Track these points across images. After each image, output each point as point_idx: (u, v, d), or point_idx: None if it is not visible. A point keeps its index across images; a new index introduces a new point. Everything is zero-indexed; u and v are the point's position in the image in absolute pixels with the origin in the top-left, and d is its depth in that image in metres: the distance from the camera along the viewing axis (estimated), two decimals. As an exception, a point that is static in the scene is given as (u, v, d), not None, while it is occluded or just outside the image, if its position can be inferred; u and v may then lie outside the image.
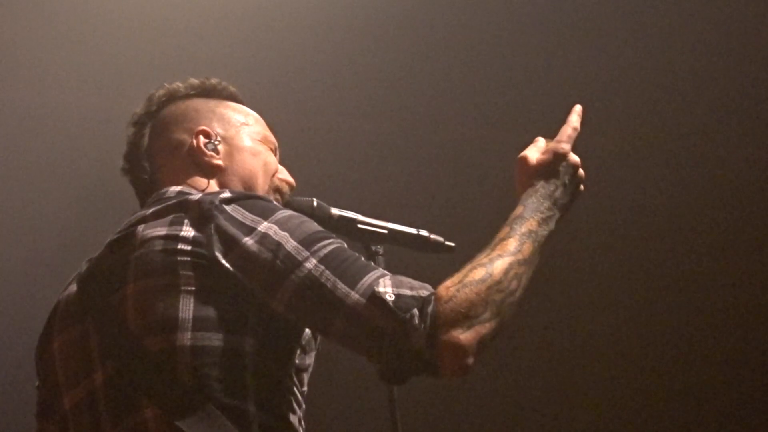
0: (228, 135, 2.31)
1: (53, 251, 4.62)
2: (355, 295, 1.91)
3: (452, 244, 2.56)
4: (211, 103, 2.34)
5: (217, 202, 2.01)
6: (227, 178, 2.27)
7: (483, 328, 1.92)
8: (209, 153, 2.27)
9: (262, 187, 2.30)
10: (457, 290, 1.93)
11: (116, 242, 2.08)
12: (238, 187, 2.26)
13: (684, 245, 5.24)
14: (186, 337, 1.96)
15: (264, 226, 1.98)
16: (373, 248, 2.45)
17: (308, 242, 1.97)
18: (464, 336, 1.89)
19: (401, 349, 1.88)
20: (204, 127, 2.29)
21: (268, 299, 1.95)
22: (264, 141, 2.35)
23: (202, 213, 2.01)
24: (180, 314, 1.97)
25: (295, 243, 1.96)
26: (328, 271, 1.93)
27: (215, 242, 1.97)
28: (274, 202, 2.09)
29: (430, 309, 1.89)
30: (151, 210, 2.09)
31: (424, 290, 1.94)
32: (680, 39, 4.73)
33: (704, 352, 5.31)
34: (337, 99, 4.76)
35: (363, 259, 2.00)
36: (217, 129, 2.31)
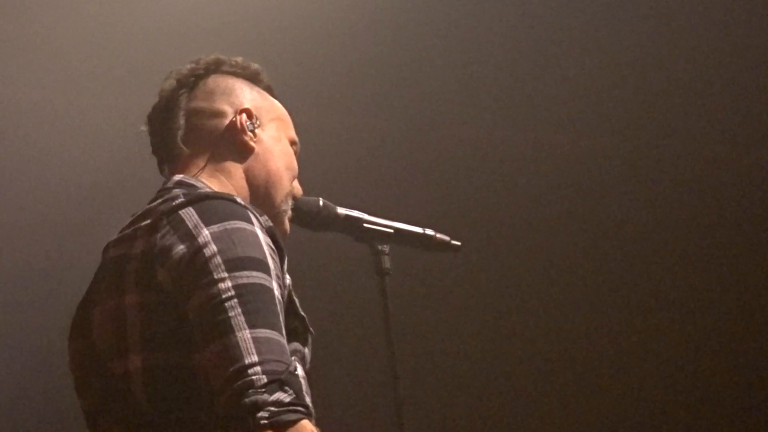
0: (266, 125, 2.29)
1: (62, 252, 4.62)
2: (247, 333, 1.86)
3: (458, 244, 2.55)
4: (255, 89, 2.32)
5: (168, 210, 2.00)
6: (254, 164, 2.25)
7: None
8: (248, 133, 2.25)
9: (284, 187, 2.27)
10: None
11: (103, 254, 2.09)
12: (261, 178, 2.24)
13: (683, 244, 5.23)
14: (137, 359, 1.96)
15: (201, 235, 1.94)
16: (379, 247, 2.45)
17: (232, 266, 1.91)
18: None
19: (230, 409, 1.83)
20: (249, 107, 2.27)
21: (188, 308, 1.92)
22: (292, 143, 2.34)
23: (153, 223, 2.00)
24: (129, 337, 1.97)
25: (219, 261, 1.91)
26: (236, 299, 1.88)
27: (156, 254, 1.96)
28: (235, 205, 2.02)
29: (279, 420, 1.82)
30: (131, 218, 2.09)
31: (296, 409, 1.84)
32: (693, 35, 4.72)
33: (704, 351, 5.30)
34: (342, 97, 4.76)
35: (277, 309, 1.92)
36: (259, 114, 2.29)
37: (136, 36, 4.42)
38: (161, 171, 2.29)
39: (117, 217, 2.19)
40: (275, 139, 2.29)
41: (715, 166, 5.13)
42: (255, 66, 2.35)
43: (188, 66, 2.30)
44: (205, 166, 2.22)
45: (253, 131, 2.26)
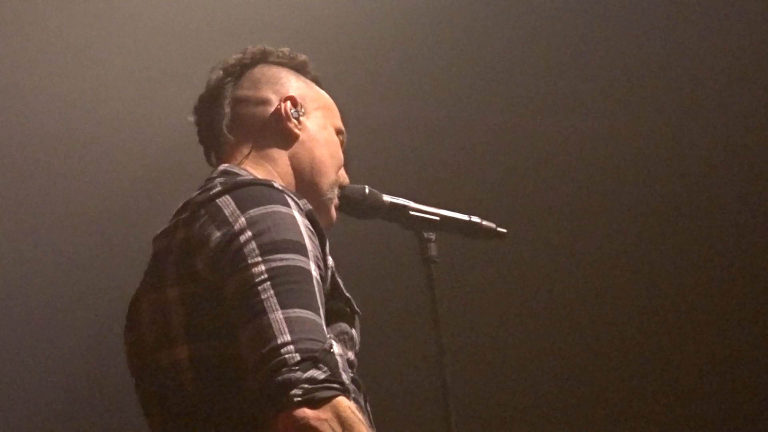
0: (311, 113, 2.31)
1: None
2: (279, 314, 1.86)
3: (504, 231, 2.55)
4: (301, 79, 2.34)
5: (206, 200, 2.01)
6: (299, 151, 2.26)
7: None
8: (293, 120, 2.27)
9: (329, 175, 2.29)
10: (347, 425, 1.82)
11: (153, 245, 2.11)
12: (306, 165, 2.25)
13: (684, 243, 5.18)
14: (184, 350, 1.98)
15: (238, 222, 1.95)
16: (425, 235, 2.45)
17: (267, 249, 1.92)
18: None
19: (263, 389, 1.83)
20: (294, 95, 2.29)
21: (223, 296, 1.93)
22: (338, 133, 2.35)
23: (192, 214, 2.02)
24: (173, 328, 1.99)
25: (254, 246, 1.92)
26: (268, 282, 1.88)
27: (194, 244, 1.98)
28: (271, 189, 2.02)
29: (313, 397, 1.81)
30: (176, 209, 2.11)
31: (331, 386, 1.83)
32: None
33: (705, 351, 5.26)
34: (388, 85, 4.76)
35: (314, 290, 1.92)
36: (304, 103, 2.31)
37: (183, 28, 4.43)
38: (208, 160, 2.31)
39: (165, 209, 2.21)
40: (321, 127, 2.31)
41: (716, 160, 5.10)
42: (302, 57, 2.36)
43: (235, 56, 2.33)
44: (249, 153, 2.24)
45: (297, 119, 2.28)
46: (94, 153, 4.61)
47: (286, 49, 2.36)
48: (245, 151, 2.24)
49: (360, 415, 1.84)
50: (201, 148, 2.34)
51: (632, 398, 5.26)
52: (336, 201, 2.30)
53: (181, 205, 2.10)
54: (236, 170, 2.18)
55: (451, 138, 4.94)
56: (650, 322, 5.24)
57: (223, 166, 2.20)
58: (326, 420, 1.79)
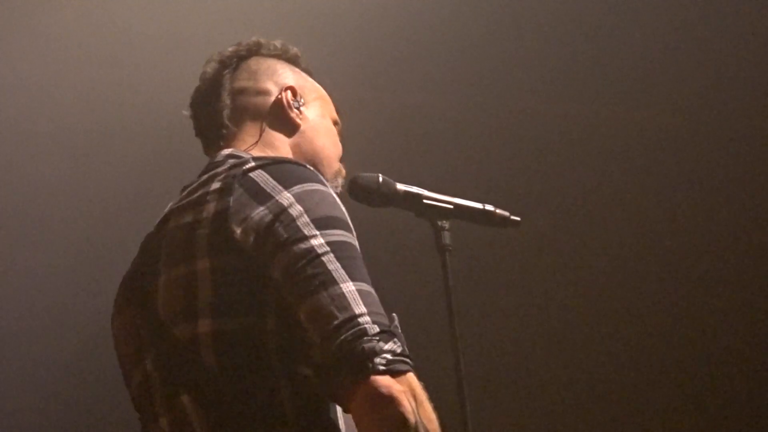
0: (310, 104, 2.33)
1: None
2: (351, 285, 1.88)
3: (518, 219, 2.55)
4: (296, 70, 2.36)
5: (240, 175, 2.00)
6: (301, 141, 2.28)
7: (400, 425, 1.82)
8: (294, 110, 2.29)
9: (332, 165, 2.31)
10: (419, 401, 1.85)
11: (159, 225, 2.10)
12: (309, 154, 2.26)
13: (684, 242, 5.17)
14: (206, 324, 1.96)
15: (282, 196, 1.96)
16: (439, 223, 2.44)
17: (321, 224, 1.93)
18: (391, 408, 1.81)
19: (345, 355, 1.84)
20: (294, 85, 2.31)
21: (271, 268, 1.92)
22: (335, 123, 2.37)
23: (225, 186, 2.00)
24: (200, 302, 1.97)
25: (307, 220, 1.93)
26: (332, 255, 1.90)
27: (232, 215, 1.96)
28: (306, 169, 2.04)
29: (393, 368, 1.83)
30: (189, 189, 2.10)
31: (407, 360, 1.86)
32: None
33: (705, 350, 5.25)
34: (401, 73, 4.76)
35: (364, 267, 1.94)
36: (303, 93, 2.33)
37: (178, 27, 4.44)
38: (207, 152, 2.31)
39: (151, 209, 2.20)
40: (320, 117, 2.33)
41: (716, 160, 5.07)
42: (294, 49, 2.38)
43: (230, 48, 2.34)
44: (252, 142, 2.25)
45: (298, 108, 2.30)
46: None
47: (278, 42, 2.38)
48: (248, 140, 2.25)
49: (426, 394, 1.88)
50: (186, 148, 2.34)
51: (651, 387, 5.26)
52: (339, 190, 2.31)
53: (197, 182, 2.09)
54: (242, 155, 2.17)
55: (466, 126, 4.93)
56: (671, 311, 5.23)
57: (227, 150, 2.21)
58: (404, 392, 1.82)
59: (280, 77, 2.32)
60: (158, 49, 4.46)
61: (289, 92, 2.29)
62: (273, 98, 2.29)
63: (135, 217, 3.35)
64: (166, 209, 2.13)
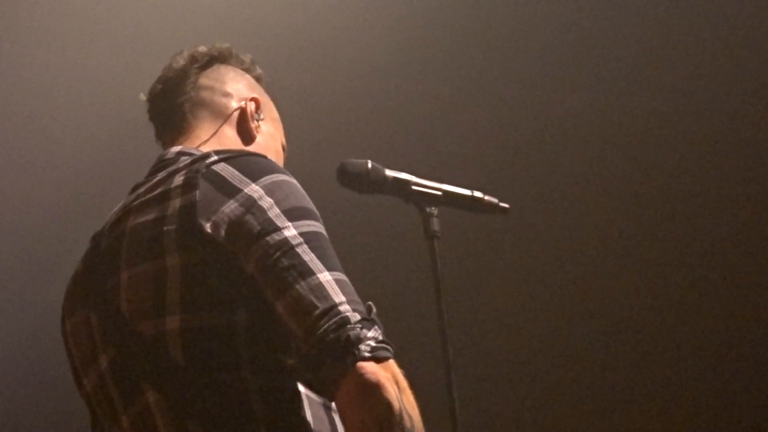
0: (267, 122, 2.34)
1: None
2: (327, 275, 1.88)
3: (506, 206, 2.55)
4: (260, 88, 2.38)
5: (203, 169, 1.99)
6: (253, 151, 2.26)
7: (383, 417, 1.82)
8: (254, 121, 2.31)
9: None
10: (401, 387, 1.85)
11: (114, 224, 2.08)
12: None
13: (677, 231, 5.18)
14: (175, 320, 1.94)
15: (250, 189, 1.96)
16: (428, 210, 2.45)
17: (293, 215, 1.93)
18: (376, 396, 1.82)
19: (330, 344, 1.84)
20: (259, 99, 2.33)
21: (244, 261, 1.92)
22: (283, 148, 2.38)
23: (188, 181, 1.99)
24: (168, 298, 1.95)
25: (278, 211, 1.93)
26: (306, 245, 1.90)
27: (200, 210, 1.95)
28: (269, 160, 2.05)
29: (377, 355, 1.84)
30: (144, 187, 2.08)
31: (388, 348, 1.86)
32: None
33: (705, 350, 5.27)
34: (391, 60, 4.75)
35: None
36: (263, 109, 2.35)
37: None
38: (158, 137, 2.31)
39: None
40: (273, 137, 2.34)
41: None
42: (259, 70, 2.40)
43: (203, 47, 2.35)
44: (208, 140, 2.25)
45: (257, 121, 2.31)
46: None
47: (248, 57, 2.39)
48: (203, 136, 2.25)
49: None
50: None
51: (640, 372, 5.27)
52: None
53: (153, 180, 2.07)
54: (194, 151, 2.16)
55: (455, 113, 4.93)
56: (663, 299, 5.24)
57: (178, 147, 2.20)
58: (389, 378, 1.83)
59: (246, 87, 2.34)
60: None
61: (253, 103, 2.31)
62: (236, 104, 2.30)
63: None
64: (117, 208, 2.11)
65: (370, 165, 2.43)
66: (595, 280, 5.17)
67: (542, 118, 4.97)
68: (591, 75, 4.87)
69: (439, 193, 2.47)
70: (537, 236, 5.11)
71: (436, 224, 2.43)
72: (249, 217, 1.92)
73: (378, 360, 1.83)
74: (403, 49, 4.73)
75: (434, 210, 2.45)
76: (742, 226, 5.16)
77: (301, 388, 1.95)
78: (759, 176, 5.08)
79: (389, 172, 2.45)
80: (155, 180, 2.07)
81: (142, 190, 2.08)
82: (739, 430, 5.27)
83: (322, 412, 1.94)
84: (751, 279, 5.21)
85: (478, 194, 2.52)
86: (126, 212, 2.07)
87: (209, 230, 1.93)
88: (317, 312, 1.85)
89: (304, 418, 1.92)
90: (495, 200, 2.54)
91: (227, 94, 2.31)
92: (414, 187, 2.45)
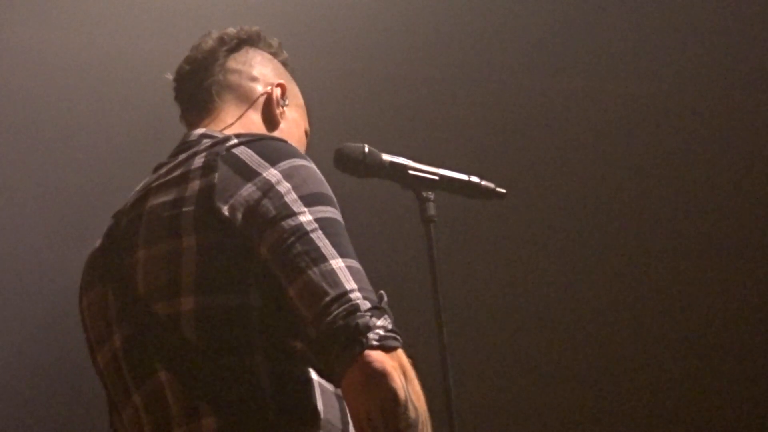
0: (293, 108, 2.35)
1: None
2: (340, 261, 1.89)
3: (503, 191, 2.55)
4: (287, 73, 2.38)
5: (223, 152, 2.00)
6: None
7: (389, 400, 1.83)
8: (280, 107, 2.31)
9: None
10: (408, 377, 1.85)
11: (134, 203, 2.09)
12: None
13: (673, 217, 5.18)
14: (189, 301, 1.95)
15: (268, 173, 1.96)
16: (424, 194, 2.44)
17: (309, 201, 1.94)
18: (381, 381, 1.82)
19: (339, 330, 1.84)
20: (285, 85, 2.34)
21: (258, 245, 1.93)
22: (306, 135, 2.38)
23: (208, 164, 2.00)
24: (183, 279, 1.96)
25: (295, 196, 1.93)
26: (320, 231, 1.91)
27: (218, 192, 1.96)
28: (289, 145, 2.05)
29: (386, 344, 1.84)
30: (165, 168, 2.09)
31: (397, 337, 1.86)
32: None
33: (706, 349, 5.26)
34: (387, 42, 4.74)
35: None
36: (289, 95, 2.35)
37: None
38: (183, 118, 2.32)
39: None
40: (297, 124, 2.34)
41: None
42: (286, 54, 2.40)
43: (232, 29, 2.35)
44: (232, 124, 2.25)
45: (283, 107, 2.31)
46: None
47: (276, 41, 2.39)
48: (228, 119, 2.26)
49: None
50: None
51: (636, 363, 5.28)
52: None
53: (176, 161, 2.08)
54: (216, 134, 2.17)
55: (452, 97, 4.93)
56: (658, 286, 5.24)
57: (201, 130, 2.20)
58: (396, 368, 1.83)
59: (273, 72, 2.34)
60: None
61: (279, 89, 2.31)
62: (262, 89, 2.30)
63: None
64: (139, 187, 2.12)
65: (366, 149, 2.43)
66: (592, 266, 5.17)
67: (540, 103, 4.96)
68: (590, 60, 4.86)
69: (436, 177, 2.46)
70: (534, 221, 5.11)
71: (432, 209, 2.43)
72: (266, 202, 1.93)
73: (386, 349, 1.83)
74: (399, 33, 4.72)
75: (431, 195, 2.45)
76: (741, 217, 5.16)
77: (314, 375, 1.95)
78: (758, 163, 5.08)
79: (386, 157, 2.45)
80: (177, 161, 2.08)
81: (163, 170, 2.09)
82: (739, 430, 5.27)
83: (334, 401, 1.95)
84: (751, 265, 5.21)
85: (475, 179, 2.52)
86: (146, 192, 2.08)
87: (226, 213, 1.94)
88: (328, 298, 1.85)
89: (315, 406, 1.93)
90: (492, 185, 2.53)
91: (254, 79, 2.31)
92: (411, 172, 2.45)
